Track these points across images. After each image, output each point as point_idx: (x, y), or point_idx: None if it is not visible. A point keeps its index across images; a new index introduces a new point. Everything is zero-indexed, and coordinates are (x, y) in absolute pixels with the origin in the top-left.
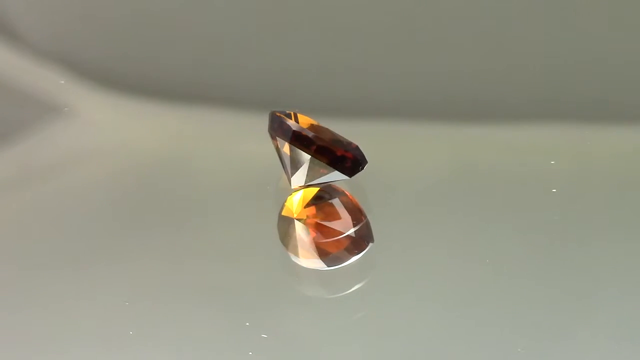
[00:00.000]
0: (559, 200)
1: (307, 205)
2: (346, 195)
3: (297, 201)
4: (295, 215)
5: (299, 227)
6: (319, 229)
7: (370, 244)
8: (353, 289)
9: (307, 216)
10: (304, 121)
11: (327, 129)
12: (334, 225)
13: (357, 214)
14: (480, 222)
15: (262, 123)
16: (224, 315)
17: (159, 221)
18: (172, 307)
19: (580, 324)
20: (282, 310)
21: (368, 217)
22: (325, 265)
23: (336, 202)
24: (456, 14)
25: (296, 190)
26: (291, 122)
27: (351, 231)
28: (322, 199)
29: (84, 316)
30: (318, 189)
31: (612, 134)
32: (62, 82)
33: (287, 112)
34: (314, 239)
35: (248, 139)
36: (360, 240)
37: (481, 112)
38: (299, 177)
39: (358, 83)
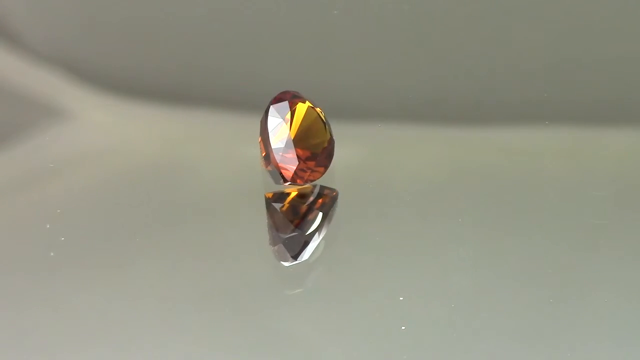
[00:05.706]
0: (557, 201)
1: (290, 197)
2: (325, 203)
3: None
4: (270, 195)
5: (266, 207)
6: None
7: (293, 262)
8: (341, 289)
9: (275, 205)
10: (303, 112)
11: (318, 127)
12: (277, 224)
13: (308, 225)
14: (477, 224)
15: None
16: (223, 316)
17: (157, 223)
18: (171, 307)
19: (578, 325)
20: (280, 311)
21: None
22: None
23: (300, 205)
24: (454, 17)
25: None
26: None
27: (277, 238)
28: (302, 197)
29: (81, 317)
30: (310, 187)
31: (611, 135)
32: (61, 85)
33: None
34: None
35: (246, 141)
36: (286, 252)
37: (479, 114)
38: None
39: (355, 84)
